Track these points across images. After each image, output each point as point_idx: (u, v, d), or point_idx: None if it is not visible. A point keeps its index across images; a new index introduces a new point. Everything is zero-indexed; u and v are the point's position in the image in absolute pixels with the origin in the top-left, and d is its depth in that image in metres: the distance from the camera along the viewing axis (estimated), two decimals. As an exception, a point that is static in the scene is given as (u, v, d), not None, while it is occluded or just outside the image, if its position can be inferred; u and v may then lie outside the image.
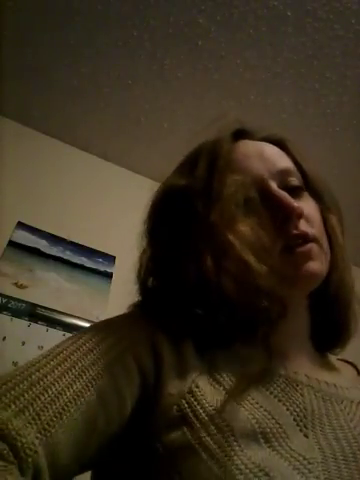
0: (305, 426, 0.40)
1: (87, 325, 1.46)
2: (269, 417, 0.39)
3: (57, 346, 0.41)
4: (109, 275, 1.64)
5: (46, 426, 0.33)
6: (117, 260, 1.68)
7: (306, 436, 0.39)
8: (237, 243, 0.43)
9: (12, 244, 1.53)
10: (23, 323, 1.38)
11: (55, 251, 1.60)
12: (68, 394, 0.36)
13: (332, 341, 0.55)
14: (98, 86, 1.65)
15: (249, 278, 0.42)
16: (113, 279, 1.63)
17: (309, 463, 0.36)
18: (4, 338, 1.31)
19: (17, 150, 1.72)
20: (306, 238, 0.47)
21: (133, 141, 1.85)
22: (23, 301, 1.42)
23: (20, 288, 1.45)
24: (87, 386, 0.37)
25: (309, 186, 0.53)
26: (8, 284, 1.43)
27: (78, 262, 1.62)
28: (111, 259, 1.68)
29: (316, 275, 0.47)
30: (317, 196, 0.53)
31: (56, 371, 0.37)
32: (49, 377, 0.36)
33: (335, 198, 0.56)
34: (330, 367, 0.54)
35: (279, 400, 0.42)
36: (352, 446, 0.40)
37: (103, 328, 0.45)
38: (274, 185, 0.49)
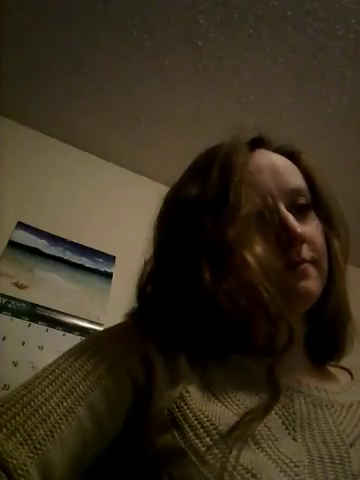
0: (294, 430, 0.41)
1: (87, 325, 1.47)
2: None
3: (50, 365, 0.43)
4: (109, 275, 1.64)
5: (37, 445, 0.34)
6: (117, 260, 1.67)
7: (294, 439, 0.40)
8: (254, 264, 0.43)
9: (12, 244, 1.53)
10: (23, 323, 1.38)
11: (55, 251, 1.60)
12: (59, 411, 0.37)
13: (327, 355, 0.56)
14: (98, 86, 1.65)
15: (260, 302, 0.42)
16: (113, 279, 1.63)
17: (296, 466, 0.36)
18: (4, 338, 1.31)
19: (17, 150, 1.73)
20: (304, 261, 0.47)
21: (133, 141, 1.85)
22: (23, 301, 1.42)
23: (20, 288, 1.45)
24: (77, 401, 0.38)
25: (317, 203, 0.53)
26: (8, 284, 1.43)
27: (78, 262, 1.62)
28: (111, 259, 1.68)
29: (310, 293, 0.47)
30: (324, 216, 0.53)
31: (47, 390, 0.38)
32: (40, 397, 0.38)
33: (343, 217, 0.56)
34: (323, 373, 0.54)
35: None
36: (340, 449, 0.40)
37: (94, 342, 0.46)
38: (282, 207, 0.49)
